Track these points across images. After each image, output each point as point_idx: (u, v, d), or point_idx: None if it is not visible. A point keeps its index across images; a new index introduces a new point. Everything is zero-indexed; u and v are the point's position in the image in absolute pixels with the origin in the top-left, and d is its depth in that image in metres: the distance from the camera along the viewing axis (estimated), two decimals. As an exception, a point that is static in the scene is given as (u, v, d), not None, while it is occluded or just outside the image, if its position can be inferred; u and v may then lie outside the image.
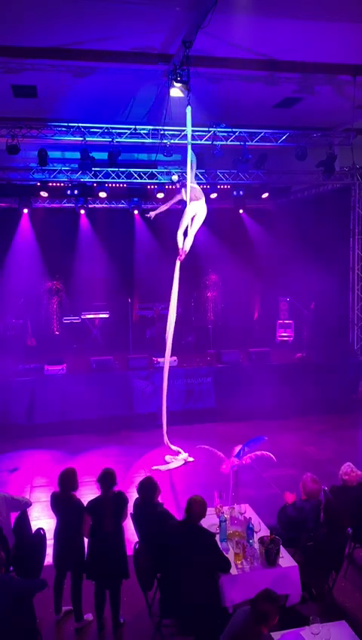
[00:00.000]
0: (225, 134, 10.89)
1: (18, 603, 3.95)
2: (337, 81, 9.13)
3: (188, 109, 7.66)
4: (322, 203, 13.79)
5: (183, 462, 8.59)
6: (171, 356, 11.31)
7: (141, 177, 12.27)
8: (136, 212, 14.30)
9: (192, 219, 8.28)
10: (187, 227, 8.24)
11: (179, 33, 7.38)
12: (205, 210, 8.23)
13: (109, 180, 12.12)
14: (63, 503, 4.98)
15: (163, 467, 8.41)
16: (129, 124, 10.53)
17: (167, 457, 8.69)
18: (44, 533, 4.96)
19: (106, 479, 4.87)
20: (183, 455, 8.68)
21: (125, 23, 7.11)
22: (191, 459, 8.63)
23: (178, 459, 8.64)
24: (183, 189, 8.25)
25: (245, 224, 15.20)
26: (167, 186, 12.46)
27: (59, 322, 14.03)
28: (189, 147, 8.06)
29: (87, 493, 5.54)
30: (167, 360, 8.89)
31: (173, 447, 8.81)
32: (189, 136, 8.03)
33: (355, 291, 12.87)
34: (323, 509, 5.18)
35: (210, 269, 14.65)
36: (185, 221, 8.17)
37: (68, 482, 4.98)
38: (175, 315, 8.62)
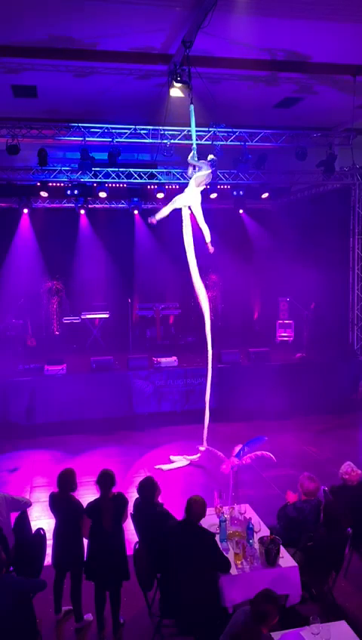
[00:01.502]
0: (225, 134, 10.89)
1: (18, 603, 3.96)
2: (337, 81, 9.13)
3: (192, 108, 7.63)
4: (322, 203, 13.79)
5: (188, 462, 8.56)
6: (171, 356, 11.37)
7: (141, 177, 12.27)
8: (136, 212, 14.31)
9: (192, 214, 8.25)
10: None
11: (179, 33, 7.39)
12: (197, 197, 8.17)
13: (109, 180, 12.12)
14: (62, 503, 4.98)
15: (165, 466, 8.39)
16: (129, 124, 10.54)
17: (172, 457, 8.66)
18: (44, 533, 4.96)
19: (105, 480, 4.86)
20: (191, 457, 8.64)
21: (125, 22, 7.11)
22: (196, 456, 8.58)
23: (186, 458, 8.58)
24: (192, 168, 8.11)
25: (245, 224, 15.20)
26: (167, 186, 12.45)
27: (59, 322, 14.04)
28: (194, 145, 8.04)
29: (87, 494, 5.54)
30: (210, 354, 8.94)
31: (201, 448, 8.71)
32: (194, 135, 8.02)
33: (355, 291, 12.87)
34: (323, 509, 5.18)
35: (210, 269, 14.65)
36: (184, 215, 8.14)
37: (66, 483, 4.98)
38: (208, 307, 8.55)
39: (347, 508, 5.21)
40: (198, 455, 8.59)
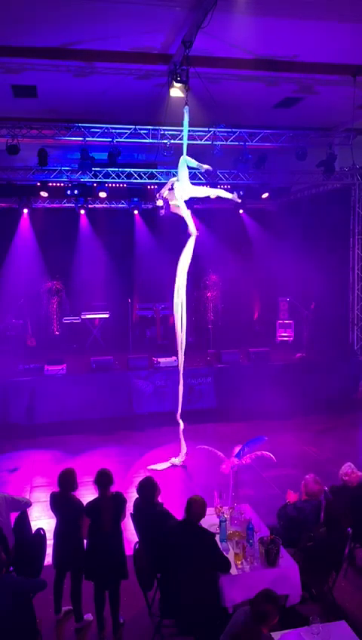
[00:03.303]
0: (225, 134, 10.89)
1: (18, 603, 3.96)
2: (337, 81, 9.12)
3: (186, 109, 7.63)
4: (322, 203, 13.79)
5: (170, 464, 8.50)
6: (171, 356, 11.36)
7: (141, 177, 12.27)
8: (136, 212, 14.32)
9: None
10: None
11: (179, 33, 7.38)
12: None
13: (109, 180, 12.12)
14: (63, 503, 4.99)
15: (157, 467, 8.37)
16: (129, 124, 10.54)
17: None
18: (44, 533, 4.97)
19: (103, 480, 4.87)
20: (174, 460, 8.58)
21: (125, 23, 7.11)
22: (178, 460, 8.54)
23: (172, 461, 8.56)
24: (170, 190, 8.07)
25: (245, 224, 15.20)
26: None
27: (59, 322, 14.04)
28: (185, 147, 8.03)
29: (87, 494, 5.53)
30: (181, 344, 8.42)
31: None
32: (185, 136, 8.01)
33: (355, 291, 12.87)
34: (324, 510, 5.18)
35: (210, 269, 14.66)
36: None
37: (67, 483, 4.99)
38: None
39: (347, 508, 5.22)
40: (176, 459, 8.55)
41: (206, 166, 7.94)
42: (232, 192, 8.39)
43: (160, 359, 11.29)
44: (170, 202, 7.87)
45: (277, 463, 5.96)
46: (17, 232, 13.95)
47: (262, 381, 10.90)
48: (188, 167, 7.96)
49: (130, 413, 10.82)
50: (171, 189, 8.07)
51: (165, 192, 8.01)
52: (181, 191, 7.90)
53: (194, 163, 7.97)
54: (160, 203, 11.21)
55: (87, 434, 9.95)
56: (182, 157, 7.86)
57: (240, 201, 8.11)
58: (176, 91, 8.09)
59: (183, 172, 7.90)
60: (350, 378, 11.97)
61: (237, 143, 11.06)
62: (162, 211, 7.94)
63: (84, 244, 14.53)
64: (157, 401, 11.02)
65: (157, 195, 7.93)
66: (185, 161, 7.87)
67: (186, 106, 7.60)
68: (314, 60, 8.40)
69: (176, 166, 12.13)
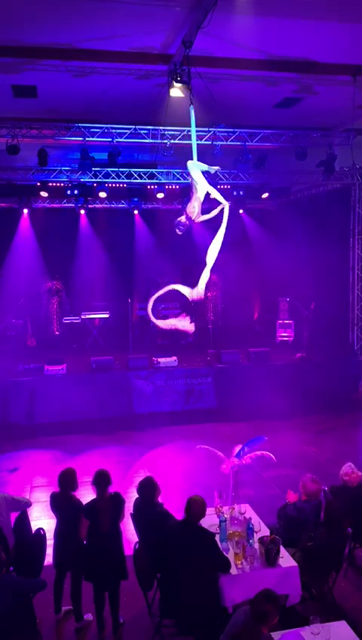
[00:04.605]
0: (225, 134, 10.90)
1: (18, 603, 3.96)
2: (337, 81, 9.12)
3: (191, 109, 7.59)
4: (322, 203, 13.79)
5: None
6: (171, 356, 11.37)
7: (141, 177, 12.28)
8: (136, 212, 14.32)
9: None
10: None
11: (179, 33, 7.38)
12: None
13: (109, 180, 12.13)
14: (63, 503, 4.99)
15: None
16: (129, 124, 10.54)
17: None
18: (44, 533, 4.96)
19: (101, 480, 4.86)
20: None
21: (125, 23, 7.10)
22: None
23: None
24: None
25: (245, 224, 15.20)
26: (167, 186, 12.46)
27: (59, 322, 14.05)
28: (194, 149, 7.97)
29: (87, 494, 5.53)
30: None
31: None
32: (194, 137, 7.96)
33: (355, 291, 12.87)
34: (324, 510, 5.18)
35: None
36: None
37: (67, 482, 4.99)
38: None
39: (347, 508, 5.22)
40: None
41: (215, 167, 7.87)
42: (228, 201, 8.18)
43: (160, 359, 11.29)
44: (196, 220, 7.67)
45: (277, 463, 5.95)
46: (17, 232, 13.95)
47: (262, 381, 10.90)
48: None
49: (130, 413, 10.83)
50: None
51: (195, 208, 7.64)
52: (201, 191, 7.79)
53: (204, 167, 7.87)
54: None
55: (87, 434, 9.95)
56: (191, 161, 7.78)
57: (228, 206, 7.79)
58: (176, 91, 8.08)
59: (197, 173, 7.76)
60: (350, 378, 11.97)
61: (237, 143, 11.07)
62: (179, 232, 7.45)
63: (84, 244, 14.53)
64: (157, 401, 11.03)
65: (183, 220, 7.52)
66: (196, 165, 7.77)
67: (191, 106, 7.55)
68: (314, 60, 8.40)
69: (176, 166, 12.22)
